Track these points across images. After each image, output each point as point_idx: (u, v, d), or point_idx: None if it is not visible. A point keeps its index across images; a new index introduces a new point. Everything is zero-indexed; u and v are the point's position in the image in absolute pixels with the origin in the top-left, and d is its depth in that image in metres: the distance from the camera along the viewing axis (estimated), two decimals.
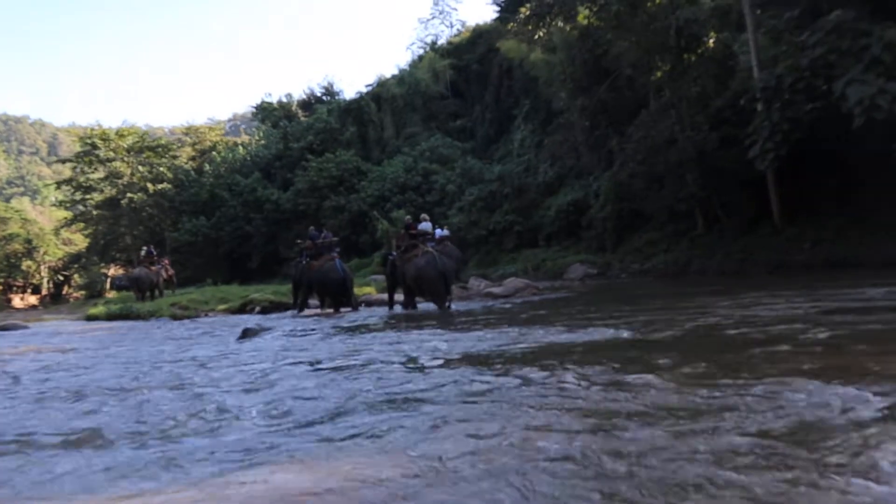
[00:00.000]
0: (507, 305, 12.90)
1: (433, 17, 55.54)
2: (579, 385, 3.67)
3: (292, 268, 18.66)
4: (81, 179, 41.14)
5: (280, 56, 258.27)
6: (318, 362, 5.57)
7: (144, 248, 24.95)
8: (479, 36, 41.08)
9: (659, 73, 19.20)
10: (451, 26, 54.70)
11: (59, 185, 44.88)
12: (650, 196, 20.61)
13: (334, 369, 5.15)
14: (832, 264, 14.06)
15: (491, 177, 27.88)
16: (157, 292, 23.41)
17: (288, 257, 34.11)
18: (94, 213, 40.13)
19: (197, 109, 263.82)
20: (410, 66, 48.21)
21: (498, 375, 4.21)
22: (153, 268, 23.43)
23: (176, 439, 3.15)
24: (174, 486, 2.44)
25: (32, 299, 65.92)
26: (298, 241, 20.14)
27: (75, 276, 68.24)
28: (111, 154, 39.66)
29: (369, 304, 16.99)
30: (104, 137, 39.70)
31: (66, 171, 50.60)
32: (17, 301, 63.94)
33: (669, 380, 3.63)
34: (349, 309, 16.32)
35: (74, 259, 55.89)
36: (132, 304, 20.49)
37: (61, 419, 3.81)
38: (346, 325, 10.41)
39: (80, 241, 64.11)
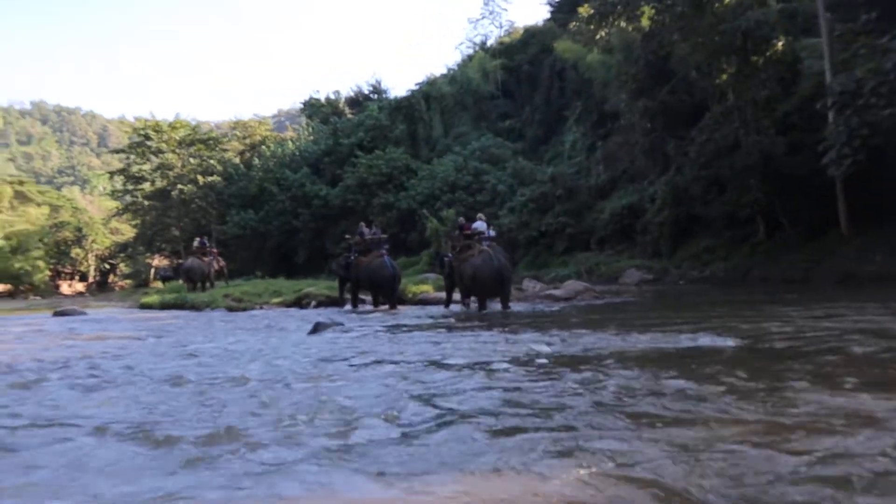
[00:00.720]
0: (571, 308, 12.69)
1: (483, 18, 55.51)
2: (740, 396, 3.47)
3: (335, 266, 18.66)
4: (134, 170, 41.86)
5: (327, 54, 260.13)
6: (416, 361, 5.43)
7: (197, 238, 25.22)
8: (532, 36, 40.84)
9: (724, 76, 18.76)
10: (501, 27, 54.56)
11: (111, 174, 45.80)
12: (711, 201, 20.21)
13: (439, 366, 5.02)
14: None
15: (543, 178, 27.63)
16: (207, 283, 23.65)
17: (334, 253, 34.31)
18: (146, 203, 40.73)
19: (242, 105, 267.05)
20: (460, 65, 48.13)
21: (647, 381, 4.01)
22: (205, 259, 23.67)
23: (335, 435, 3.03)
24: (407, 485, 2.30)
25: (79, 286, 67.55)
26: (347, 236, 20.10)
27: (121, 265, 69.78)
28: (163, 146, 40.30)
29: (426, 302, 16.87)
30: (157, 129, 40.36)
31: (117, 161, 51.80)
32: (64, 287, 65.58)
33: (839, 391, 3.44)
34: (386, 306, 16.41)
35: (122, 248, 57.06)
36: (185, 294, 20.76)
37: (200, 412, 3.72)
38: (415, 322, 10.30)
39: (127, 231, 65.46)
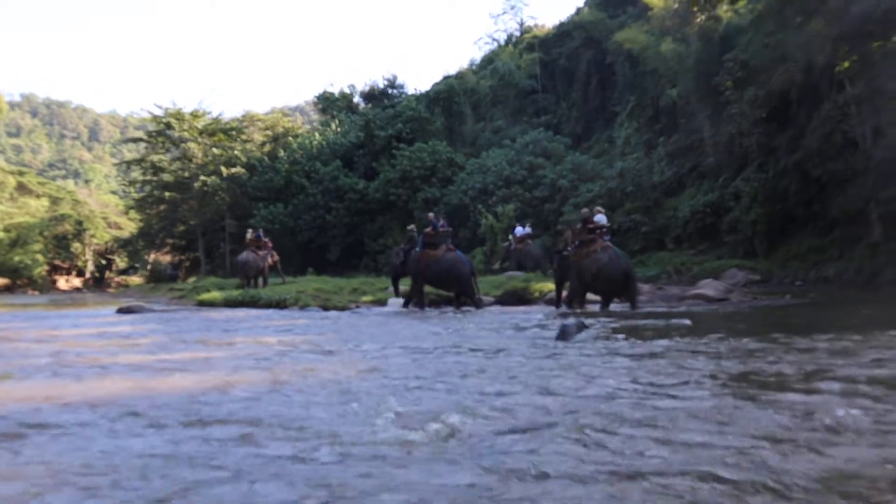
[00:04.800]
0: (747, 309, 11.30)
1: (504, 13, 54.48)
2: None
3: (392, 256, 17.21)
4: (154, 159, 39.92)
5: (335, 50, 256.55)
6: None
7: (251, 230, 23.48)
8: (575, 28, 39.51)
9: (845, 64, 17.43)
10: (522, 22, 53.38)
11: (128, 164, 43.72)
12: (813, 199, 18.96)
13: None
14: None
15: (611, 174, 26.29)
16: (261, 279, 21.97)
17: (374, 250, 32.72)
18: (166, 194, 38.80)
19: (252, 100, 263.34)
20: (488, 59, 46.90)
21: None
22: (260, 252, 21.97)
23: None
24: None
25: (76, 282, 65.35)
26: (410, 227, 18.59)
27: (118, 261, 67.60)
28: (185, 134, 38.44)
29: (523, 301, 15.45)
30: (179, 117, 38.45)
31: (108, 156, 50.06)
32: (62, 283, 63.36)
33: None
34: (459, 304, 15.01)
35: (123, 243, 54.81)
36: (252, 291, 19.07)
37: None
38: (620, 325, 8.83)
39: (126, 225, 63.33)
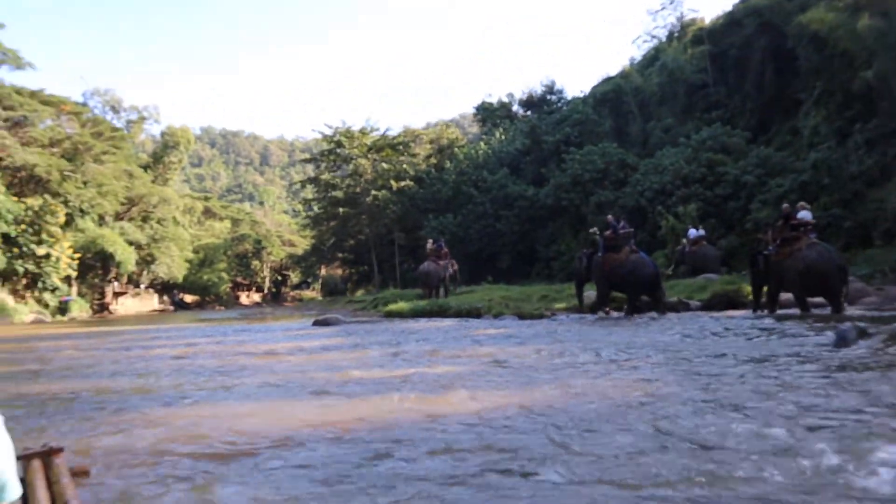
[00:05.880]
0: None
1: (663, 8, 52.33)
2: None
3: (576, 261, 16.54)
4: (327, 177, 41.79)
5: (486, 62, 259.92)
6: None
7: (431, 241, 23.72)
8: (746, 16, 37.06)
9: None
10: (682, 16, 50.93)
11: (303, 184, 46.17)
12: None
13: None
14: None
15: (803, 166, 24.19)
16: (442, 289, 22.09)
17: (547, 256, 32.20)
18: (340, 210, 40.40)
19: (408, 117, 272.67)
20: (646, 58, 45.16)
21: None
22: (441, 262, 22.11)
23: None
24: None
25: (256, 297, 70.00)
26: (592, 230, 17.78)
27: (291, 275, 71.60)
28: (354, 151, 39.91)
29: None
30: (348, 135, 40.00)
31: (279, 178, 53.28)
32: (243, 298, 68.06)
33: None
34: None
35: (298, 260, 57.75)
36: (440, 300, 19.21)
37: None
38: None
39: (298, 242, 66.88)
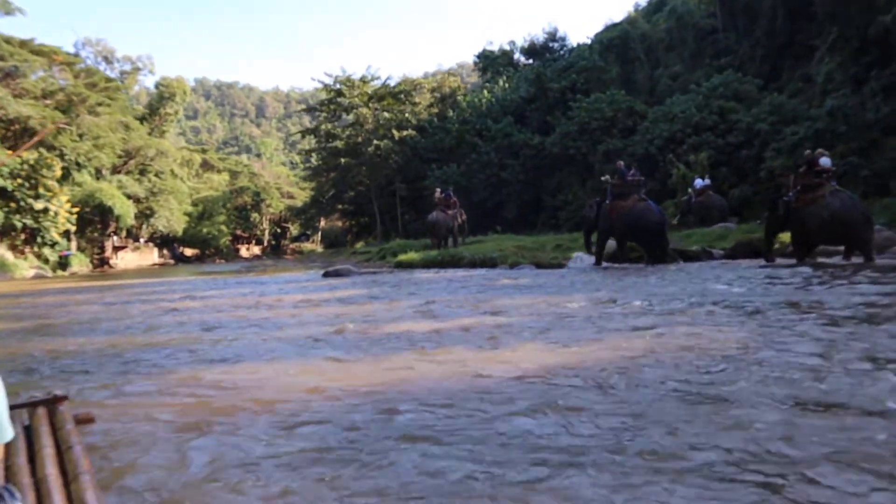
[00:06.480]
0: None
1: None
2: None
3: (586, 210, 16.13)
4: (328, 127, 41.04)
5: (485, 9, 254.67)
6: None
7: (439, 190, 23.25)
8: None
9: None
10: None
11: (303, 134, 45.42)
12: None
13: None
14: None
15: (817, 113, 23.66)
16: (451, 239, 21.72)
17: (553, 206, 31.78)
18: (342, 161, 39.76)
19: (405, 66, 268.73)
20: (652, 3, 44.10)
21: None
22: (449, 212, 21.70)
23: None
24: None
25: (256, 250, 69.68)
26: (605, 177, 17.33)
27: (291, 228, 71.17)
28: (355, 100, 39.10)
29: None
30: (349, 84, 39.15)
31: (275, 130, 52.57)
32: (243, 251, 67.71)
33: None
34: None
35: (297, 212, 57.32)
36: (452, 250, 18.88)
37: None
38: None
39: (297, 195, 66.27)
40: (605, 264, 14.19)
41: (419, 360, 4.41)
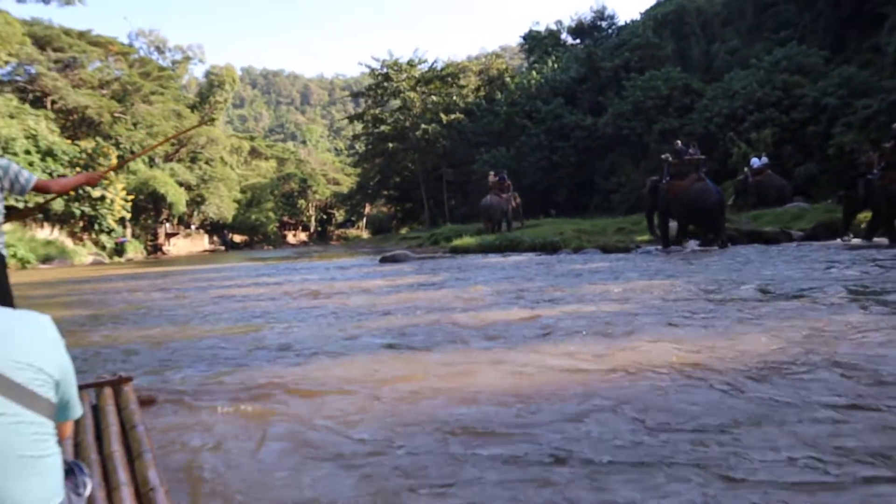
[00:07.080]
0: None
1: None
2: None
3: (644, 190, 15.60)
4: (376, 111, 40.88)
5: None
6: None
7: (493, 173, 22.85)
8: None
9: None
10: None
11: (351, 119, 45.36)
12: None
13: None
14: None
15: (890, 85, 22.50)
16: (504, 223, 21.34)
17: (606, 188, 31.09)
18: (390, 146, 39.60)
19: (450, 49, 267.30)
20: None
21: None
22: (503, 195, 21.29)
23: None
24: None
25: (302, 236, 70.15)
26: (664, 156, 16.74)
27: (336, 214, 71.43)
28: (402, 84, 38.81)
29: None
30: (396, 68, 38.87)
31: (320, 117, 52.66)
32: (290, 237, 68.23)
33: None
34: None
35: (344, 198, 57.48)
36: (510, 234, 18.50)
37: None
38: None
39: (342, 181, 66.46)
40: (672, 247, 13.67)
41: (545, 357, 3.93)
